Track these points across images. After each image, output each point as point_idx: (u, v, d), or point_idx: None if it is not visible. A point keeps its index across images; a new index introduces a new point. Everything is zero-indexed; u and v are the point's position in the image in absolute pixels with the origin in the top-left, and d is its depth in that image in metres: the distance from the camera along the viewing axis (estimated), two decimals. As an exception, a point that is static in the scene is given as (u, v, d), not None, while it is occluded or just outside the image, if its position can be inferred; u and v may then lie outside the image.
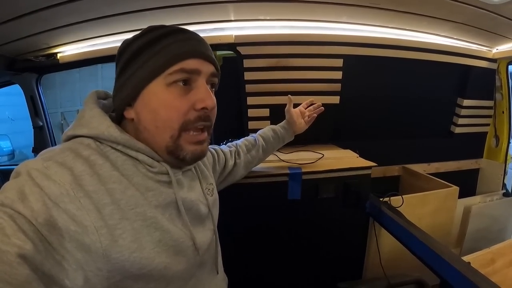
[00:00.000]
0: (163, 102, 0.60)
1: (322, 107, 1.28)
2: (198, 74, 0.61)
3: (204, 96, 0.61)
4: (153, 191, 0.61)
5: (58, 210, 0.47)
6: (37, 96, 1.84)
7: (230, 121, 1.70)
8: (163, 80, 0.59)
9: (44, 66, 1.70)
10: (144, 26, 0.64)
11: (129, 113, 0.63)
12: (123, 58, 0.63)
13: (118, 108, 0.65)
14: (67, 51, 1.66)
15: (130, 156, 0.60)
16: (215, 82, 0.68)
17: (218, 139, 1.31)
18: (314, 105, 1.28)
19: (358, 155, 1.53)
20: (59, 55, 1.66)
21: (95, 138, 0.59)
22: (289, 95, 1.23)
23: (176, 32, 0.62)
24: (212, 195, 0.80)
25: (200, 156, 0.66)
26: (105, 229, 0.51)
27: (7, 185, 0.49)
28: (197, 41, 0.63)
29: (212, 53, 0.65)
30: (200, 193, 0.75)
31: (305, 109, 1.28)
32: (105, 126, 0.59)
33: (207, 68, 0.63)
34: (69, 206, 0.48)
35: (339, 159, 1.50)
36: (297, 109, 1.26)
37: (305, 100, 1.30)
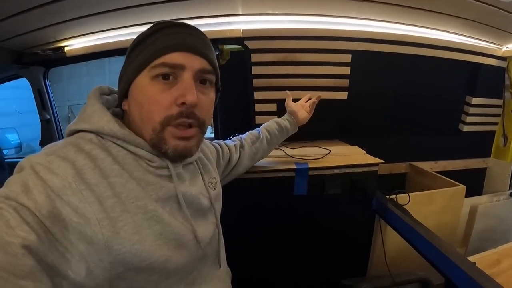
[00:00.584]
0: (146, 96, 0.60)
1: (320, 95, 1.30)
2: (182, 69, 0.60)
3: (184, 91, 0.60)
4: (154, 185, 0.61)
5: (61, 202, 0.48)
6: (45, 90, 1.84)
7: (237, 116, 1.71)
8: (147, 73, 0.60)
9: (51, 59, 1.70)
10: (151, 20, 0.64)
11: (125, 105, 0.66)
12: (127, 52, 0.65)
13: (118, 100, 0.68)
14: (74, 44, 1.66)
15: (131, 151, 0.61)
16: (208, 79, 0.65)
17: (224, 133, 1.31)
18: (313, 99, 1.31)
19: (365, 152, 1.52)
20: (66, 49, 1.66)
21: (96, 133, 0.60)
22: (287, 91, 1.27)
23: (169, 26, 0.63)
24: (214, 189, 0.80)
25: (183, 153, 0.64)
26: (107, 221, 0.52)
27: (11, 179, 0.50)
28: (185, 35, 0.62)
29: (206, 48, 0.64)
30: (202, 187, 0.76)
31: (305, 102, 1.30)
32: (105, 121, 0.60)
33: (194, 63, 0.61)
34: (72, 198, 0.49)
35: (346, 155, 1.49)
36: (297, 102, 1.29)
37: (312, 95, 1.31)
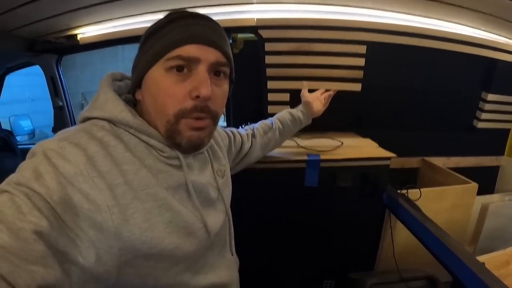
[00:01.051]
0: (160, 88, 0.60)
1: (337, 88, 1.29)
2: (197, 62, 0.59)
3: (199, 84, 0.59)
4: (164, 173, 0.62)
5: (72, 188, 0.48)
6: (57, 77, 1.86)
7: (250, 105, 1.70)
8: (162, 65, 0.59)
9: (64, 47, 1.71)
10: (165, 8, 0.64)
11: (138, 95, 0.65)
12: (140, 41, 0.65)
13: (131, 89, 0.67)
14: (88, 32, 1.66)
15: (142, 140, 0.61)
16: (223, 71, 0.65)
17: (237, 122, 1.31)
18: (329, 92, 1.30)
19: (378, 145, 1.51)
20: (79, 36, 1.66)
21: (109, 120, 0.60)
22: (303, 81, 1.26)
23: (183, 17, 0.62)
24: (223, 176, 0.80)
25: (196, 144, 0.64)
26: (117, 208, 0.52)
27: (23, 164, 0.50)
28: (200, 26, 0.61)
29: (221, 40, 0.63)
30: (211, 176, 0.75)
31: (321, 95, 1.29)
32: (118, 110, 0.60)
33: (209, 55, 0.60)
34: (83, 185, 0.49)
35: (358, 148, 1.48)
36: (312, 94, 1.27)
37: (326, 86, 1.30)
